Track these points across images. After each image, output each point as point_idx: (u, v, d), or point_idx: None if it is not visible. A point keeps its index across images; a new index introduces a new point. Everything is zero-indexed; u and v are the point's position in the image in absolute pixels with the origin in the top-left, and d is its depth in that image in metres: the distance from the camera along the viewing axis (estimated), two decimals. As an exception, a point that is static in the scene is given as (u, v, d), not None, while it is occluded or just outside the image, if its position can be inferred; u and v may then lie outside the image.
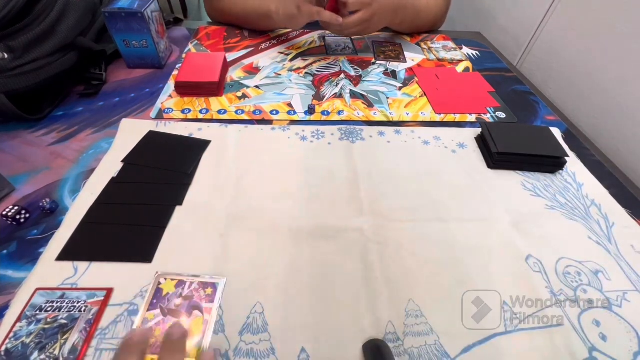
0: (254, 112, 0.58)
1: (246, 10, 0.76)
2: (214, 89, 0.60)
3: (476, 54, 0.78)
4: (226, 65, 0.65)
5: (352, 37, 0.81)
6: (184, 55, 0.71)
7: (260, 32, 0.81)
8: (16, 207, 0.40)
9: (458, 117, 0.59)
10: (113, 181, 0.44)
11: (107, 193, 0.43)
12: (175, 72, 0.66)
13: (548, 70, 0.77)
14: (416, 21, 0.80)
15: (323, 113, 0.58)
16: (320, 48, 0.77)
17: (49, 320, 0.31)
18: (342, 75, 0.68)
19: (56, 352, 0.30)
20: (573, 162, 0.51)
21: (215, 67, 0.62)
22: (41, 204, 0.41)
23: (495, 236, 0.41)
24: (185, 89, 0.60)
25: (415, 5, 0.76)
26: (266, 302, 0.34)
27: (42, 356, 0.29)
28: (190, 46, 0.75)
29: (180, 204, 0.43)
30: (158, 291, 0.34)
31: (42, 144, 0.50)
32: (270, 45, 0.76)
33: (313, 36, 0.81)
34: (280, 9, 0.68)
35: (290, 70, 0.68)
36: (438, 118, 0.59)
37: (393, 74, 0.70)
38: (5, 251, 0.37)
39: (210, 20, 0.88)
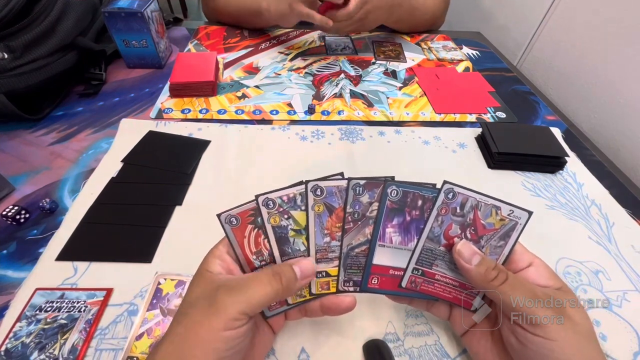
0: (253, 112, 0.58)
1: (239, 8, 0.77)
2: (210, 88, 0.60)
3: (476, 53, 0.78)
4: (217, 66, 0.65)
5: (352, 37, 0.81)
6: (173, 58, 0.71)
7: (260, 32, 0.81)
8: (16, 207, 0.40)
9: (458, 117, 0.59)
10: (113, 181, 0.44)
11: (106, 193, 0.43)
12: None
13: (548, 70, 0.77)
14: (413, 19, 0.80)
15: (323, 113, 0.58)
16: (320, 48, 0.77)
17: (48, 320, 0.31)
18: (342, 75, 0.68)
19: (56, 352, 0.30)
20: (573, 162, 0.51)
21: (208, 66, 0.61)
22: (41, 204, 0.41)
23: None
24: (179, 91, 0.59)
25: (411, 3, 0.75)
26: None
27: (42, 356, 0.29)
28: (190, 46, 0.75)
29: (180, 204, 0.43)
30: (158, 291, 0.34)
31: (42, 143, 0.50)
32: (270, 45, 0.76)
33: (313, 36, 0.81)
34: (272, 5, 0.68)
35: (290, 70, 0.68)
36: (438, 118, 0.59)
37: (393, 74, 0.69)
38: (5, 251, 0.37)
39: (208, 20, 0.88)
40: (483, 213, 0.26)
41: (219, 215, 0.26)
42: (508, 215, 0.26)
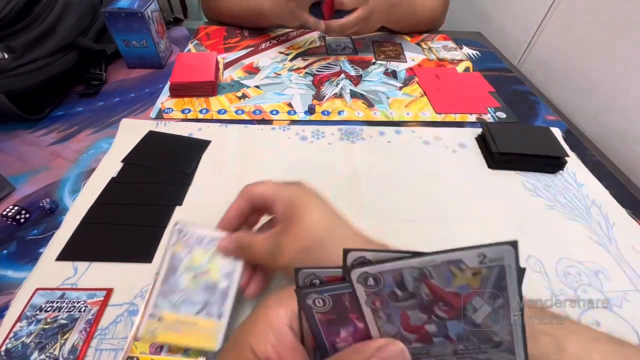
0: (254, 112, 0.58)
1: (242, 9, 0.77)
2: (210, 88, 0.60)
3: (476, 54, 0.78)
4: (217, 66, 0.65)
5: (352, 37, 0.81)
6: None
7: (260, 32, 0.81)
8: (16, 207, 0.40)
9: (458, 117, 0.59)
10: (113, 181, 0.44)
11: (107, 193, 0.43)
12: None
13: (548, 70, 0.77)
14: (413, 19, 0.80)
15: (323, 113, 0.58)
16: (320, 48, 0.77)
17: (48, 320, 0.31)
18: (342, 75, 0.68)
19: (56, 352, 0.30)
20: (573, 162, 0.51)
21: (208, 66, 0.61)
22: (41, 204, 0.41)
23: (496, 236, 0.41)
24: (180, 91, 0.59)
25: (410, 2, 0.76)
26: (266, 302, 0.34)
27: (42, 356, 0.29)
28: (190, 46, 0.75)
29: (180, 204, 0.43)
30: (158, 291, 0.34)
31: (42, 144, 0.50)
32: (270, 45, 0.76)
33: (313, 36, 0.81)
34: (275, 10, 0.69)
35: (290, 70, 0.68)
36: (438, 118, 0.59)
37: (393, 74, 0.69)
38: (5, 251, 0.37)
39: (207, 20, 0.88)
40: (440, 279, 0.18)
41: (296, 271, 0.19)
42: (480, 264, 0.18)
